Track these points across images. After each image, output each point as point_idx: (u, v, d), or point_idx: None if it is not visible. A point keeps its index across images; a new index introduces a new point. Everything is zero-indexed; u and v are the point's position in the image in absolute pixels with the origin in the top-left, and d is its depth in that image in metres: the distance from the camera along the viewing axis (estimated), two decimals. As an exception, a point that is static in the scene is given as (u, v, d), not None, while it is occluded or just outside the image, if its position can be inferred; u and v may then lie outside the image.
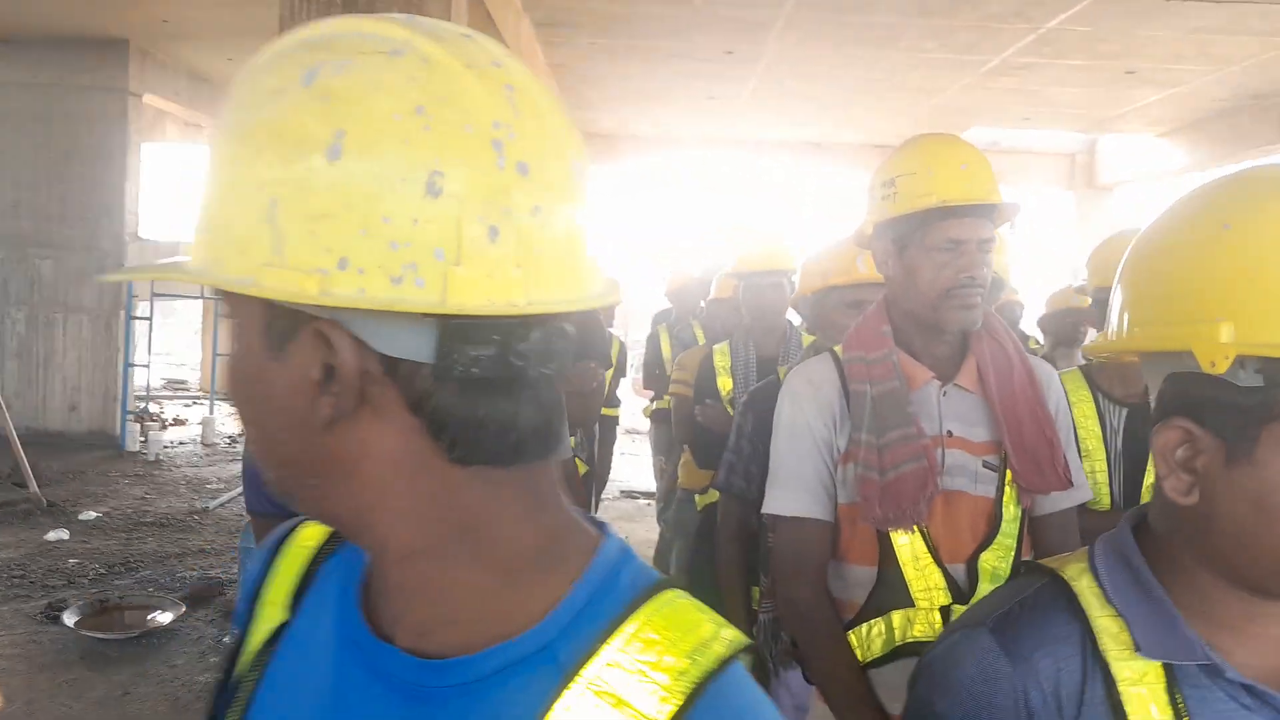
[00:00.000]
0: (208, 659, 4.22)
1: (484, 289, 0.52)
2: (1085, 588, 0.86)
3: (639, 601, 0.59)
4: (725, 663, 0.57)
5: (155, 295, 9.39)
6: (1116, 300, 0.88)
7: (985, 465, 1.66)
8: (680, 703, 0.55)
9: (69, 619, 4.41)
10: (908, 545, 1.62)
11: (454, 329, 0.53)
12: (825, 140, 11.54)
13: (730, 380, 3.14)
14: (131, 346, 8.84)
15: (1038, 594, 0.88)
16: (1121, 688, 0.81)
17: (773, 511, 1.72)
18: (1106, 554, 0.87)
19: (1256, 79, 7.81)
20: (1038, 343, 4.24)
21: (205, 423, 9.36)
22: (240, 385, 0.60)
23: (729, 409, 3.10)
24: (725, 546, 2.40)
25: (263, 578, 0.72)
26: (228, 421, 10.13)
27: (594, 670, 0.56)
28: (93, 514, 6.40)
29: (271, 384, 0.57)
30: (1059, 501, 1.71)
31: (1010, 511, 1.66)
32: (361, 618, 0.63)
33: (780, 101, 9.50)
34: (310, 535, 0.72)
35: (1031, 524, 1.71)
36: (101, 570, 5.29)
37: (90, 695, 3.83)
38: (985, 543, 1.65)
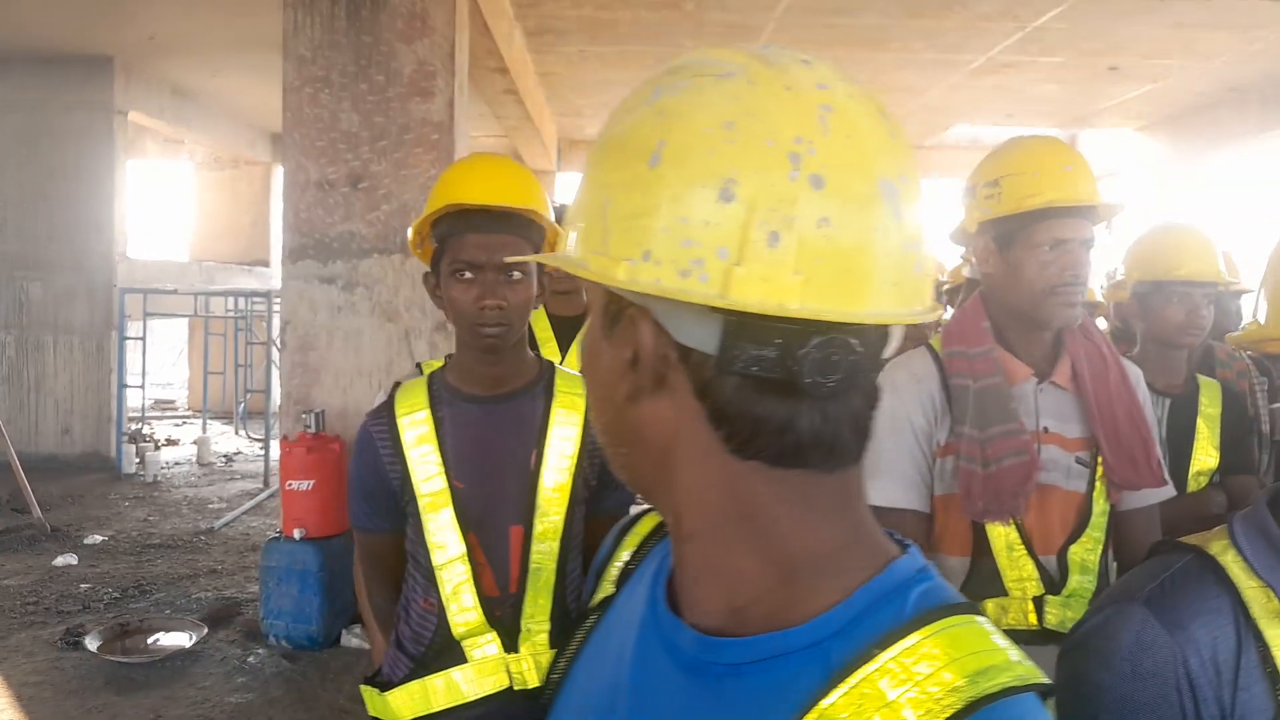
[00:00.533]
0: (234, 679, 4.20)
1: (759, 288, 0.56)
2: (1230, 561, 0.91)
3: (927, 619, 0.59)
4: (1011, 691, 0.55)
5: (147, 315, 9.29)
6: (1266, 294, 0.92)
7: (1078, 461, 1.70)
8: (948, 717, 0.54)
9: (91, 644, 4.37)
10: (1003, 537, 1.66)
11: (737, 326, 0.57)
12: (809, 142, 11.61)
13: None
14: (124, 368, 8.75)
15: (1185, 569, 0.93)
16: (1275, 652, 0.86)
17: (871, 502, 1.74)
18: (1246, 529, 0.93)
19: (1235, 72, 7.96)
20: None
21: (200, 443, 9.27)
22: (586, 359, 0.68)
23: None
24: None
25: (607, 558, 0.82)
26: (221, 440, 10.05)
27: (863, 674, 0.57)
28: (98, 537, 6.33)
29: (600, 358, 0.65)
30: (1147, 497, 1.76)
31: (1100, 506, 1.71)
32: (663, 593, 0.69)
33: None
34: (647, 523, 0.81)
35: (1116, 518, 1.76)
36: (115, 594, 5.24)
37: (122, 720, 3.80)
38: (1074, 535, 1.70)
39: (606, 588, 0.80)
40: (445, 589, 1.60)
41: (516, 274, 1.58)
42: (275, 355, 10.23)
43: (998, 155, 1.78)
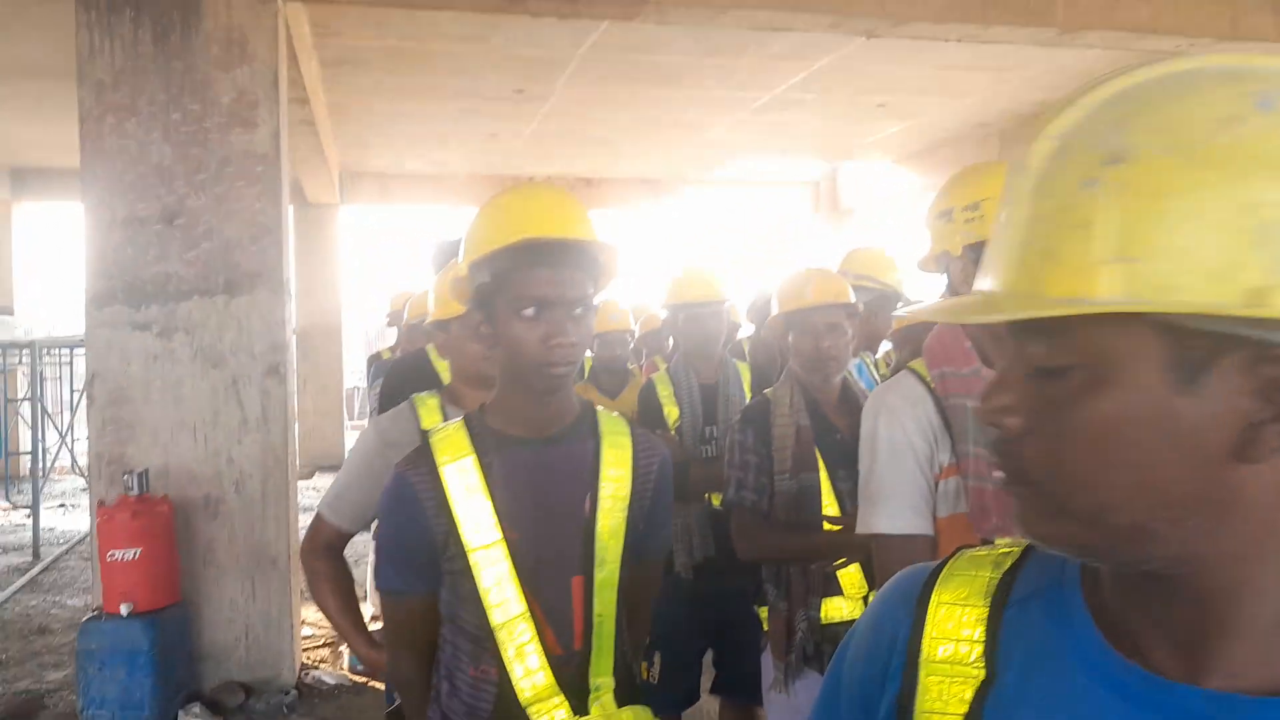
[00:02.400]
0: (57, 782, 3.69)
1: None
2: None
3: None
4: None
5: None
6: None
7: None
8: None
9: None
10: None
11: None
12: (596, 175, 11.82)
13: (676, 408, 3.20)
14: None
15: None
16: None
17: (880, 531, 1.77)
18: None
19: (980, 110, 8.88)
20: (886, 364, 4.48)
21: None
22: (1122, 429, 0.57)
23: (674, 435, 3.17)
24: (760, 553, 2.48)
25: (911, 636, 0.72)
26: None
27: None
28: None
29: (1177, 420, 0.55)
30: None
31: None
32: (1126, 663, 0.63)
33: (560, 138, 9.65)
34: (967, 591, 0.71)
35: None
36: (-123, 702, 4.47)
37: None
38: None
39: (960, 672, 0.69)
40: (507, 651, 1.47)
41: (579, 310, 1.51)
42: (26, 413, 9.13)
43: (969, 180, 1.87)
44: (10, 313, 10.41)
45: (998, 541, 0.77)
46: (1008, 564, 0.72)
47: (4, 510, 8.87)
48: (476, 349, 2.03)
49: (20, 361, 9.29)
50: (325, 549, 2.15)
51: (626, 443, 1.61)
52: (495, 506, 1.50)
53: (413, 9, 5.43)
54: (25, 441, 9.06)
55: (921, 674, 0.70)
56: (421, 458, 1.54)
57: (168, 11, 4.40)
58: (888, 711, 0.72)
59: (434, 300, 2.34)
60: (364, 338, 16.28)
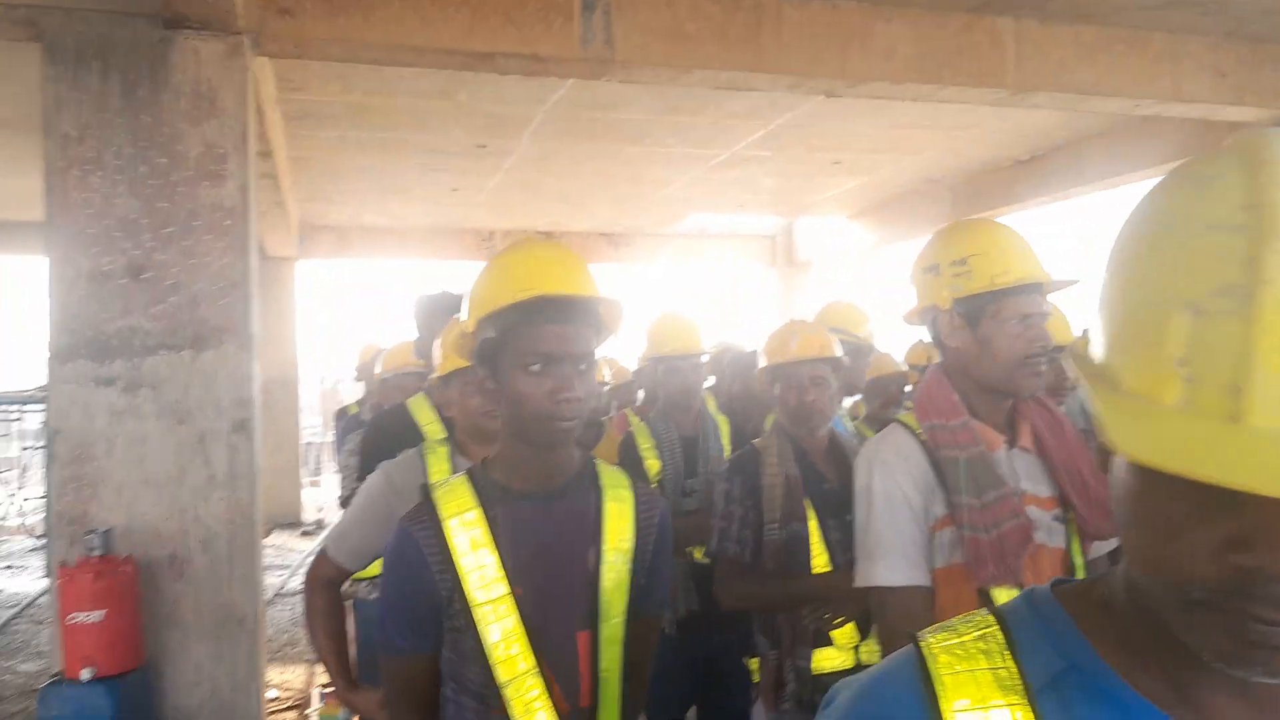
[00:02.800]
0: None
1: None
2: None
3: None
4: None
5: None
6: None
7: (1054, 519, 1.86)
8: None
9: None
10: (1008, 601, 1.78)
11: None
12: (556, 228, 11.90)
13: (657, 461, 3.21)
14: None
15: None
16: None
17: (879, 583, 1.79)
18: None
19: (931, 165, 9.13)
20: (852, 417, 4.55)
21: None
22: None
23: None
24: (740, 602, 2.50)
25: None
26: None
27: None
28: None
29: None
30: (1107, 545, 1.96)
31: (1079, 559, 1.88)
32: None
33: (521, 193, 9.72)
34: (981, 693, 0.67)
35: (1090, 566, 1.94)
36: None
37: None
38: None
39: None
40: (514, 709, 1.46)
41: (584, 365, 1.53)
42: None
43: (956, 237, 1.94)
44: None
45: (960, 625, 0.74)
46: (994, 648, 0.69)
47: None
48: (478, 403, 2.04)
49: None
50: (325, 584, 2.21)
51: (628, 496, 1.63)
52: (501, 560, 1.50)
53: (379, 65, 5.49)
54: (-32, 501, 8.78)
55: None
56: (425, 512, 1.54)
57: (136, 65, 4.40)
58: None
59: (438, 355, 2.36)
60: (319, 390, 16.09)
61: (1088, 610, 0.70)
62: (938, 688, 0.67)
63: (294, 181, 9.04)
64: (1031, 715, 0.64)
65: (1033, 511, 1.84)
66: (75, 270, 4.30)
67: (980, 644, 0.70)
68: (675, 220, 11.66)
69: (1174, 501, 0.56)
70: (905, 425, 1.91)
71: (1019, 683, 0.66)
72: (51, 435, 4.32)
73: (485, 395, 1.58)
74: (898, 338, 5.22)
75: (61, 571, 4.02)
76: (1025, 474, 1.88)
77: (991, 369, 1.84)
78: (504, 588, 1.49)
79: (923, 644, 0.70)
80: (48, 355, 4.30)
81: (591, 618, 1.53)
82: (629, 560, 1.59)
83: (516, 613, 1.49)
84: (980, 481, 1.77)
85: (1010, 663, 0.67)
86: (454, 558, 1.49)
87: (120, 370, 4.31)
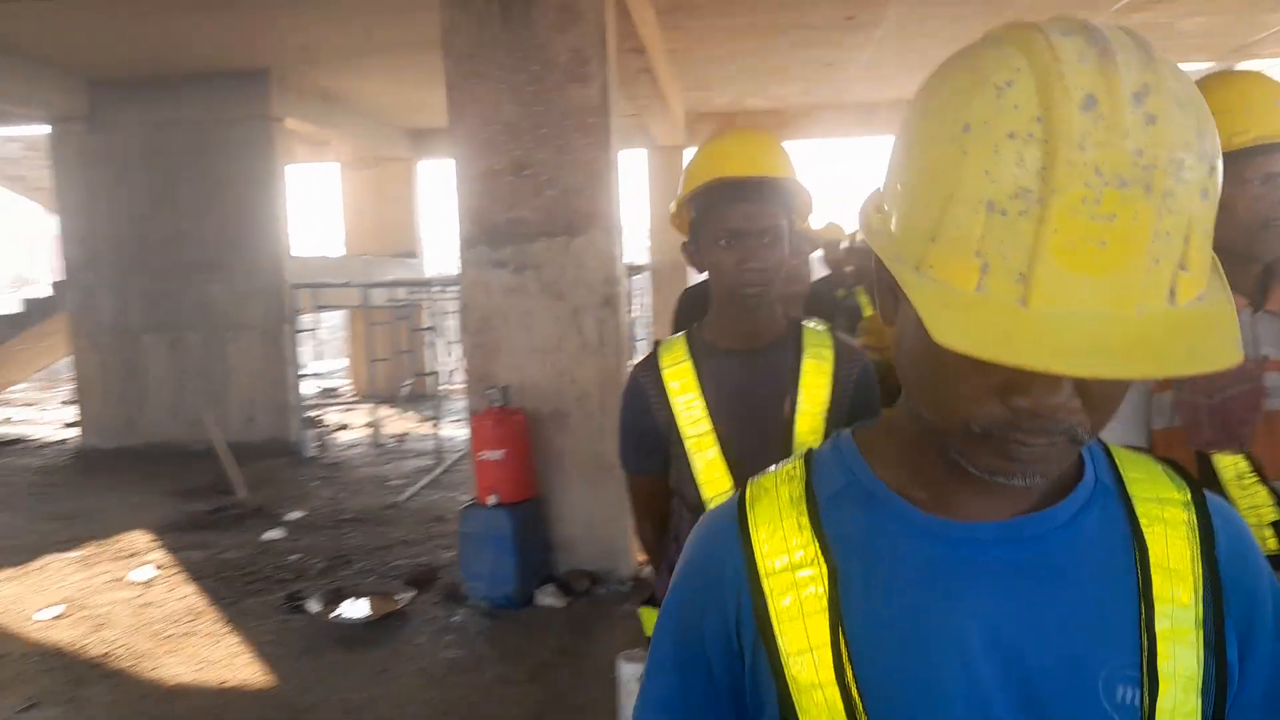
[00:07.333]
0: (443, 637, 4.56)
1: None
2: None
3: None
4: None
5: (318, 308, 9.90)
6: None
7: None
8: None
9: (313, 607, 4.81)
10: (1231, 466, 1.72)
11: None
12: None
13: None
14: (298, 359, 9.37)
15: None
16: None
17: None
18: None
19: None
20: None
21: (375, 425, 9.85)
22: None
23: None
24: None
25: (745, 559, 0.83)
26: (389, 423, 10.64)
27: None
28: (297, 514, 6.87)
29: None
30: None
31: None
32: (933, 518, 0.81)
33: (897, 60, 9.47)
34: (776, 508, 0.85)
35: None
36: (322, 564, 5.72)
37: (354, 674, 4.19)
38: None
39: (810, 572, 0.80)
40: None
41: (768, 239, 1.75)
42: (434, 339, 10.73)
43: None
44: (415, 255, 12.22)
45: (782, 464, 0.90)
46: (798, 476, 0.85)
47: (417, 422, 10.60)
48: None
49: (424, 297, 10.88)
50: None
51: (829, 354, 1.83)
52: (705, 403, 1.80)
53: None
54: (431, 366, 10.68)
55: (766, 585, 0.80)
56: (650, 363, 1.88)
57: (511, -16, 5.03)
58: (747, 631, 0.81)
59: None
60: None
61: (874, 441, 0.86)
62: (747, 509, 0.85)
63: (676, 73, 9.57)
64: (808, 521, 0.82)
65: (1274, 378, 1.74)
66: (473, 170, 5.12)
67: (787, 474, 0.87)
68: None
69: (960, 356, 0.65)
70: None
71: (805, 495, 0.84)
72: (463, 308, 5.25)
73: (693, 264, 1.85)
74: None
75: (473, 418, 4.96)
76: (1272, 339, 1.76)
77: (1231, 233, 1.73)
78: (707, 425, 1.79)
79: (750, 482, 0.89)
80: (458, 242, 5.20)
81: (784, 456, 1.77)
82: (824, 411, 1.80)
83: (718, 445, 1.78)
84: None
85: (802, 486, 0.84)
86: (669, 398, 1.82)
87: (510, 255, 5.10)
